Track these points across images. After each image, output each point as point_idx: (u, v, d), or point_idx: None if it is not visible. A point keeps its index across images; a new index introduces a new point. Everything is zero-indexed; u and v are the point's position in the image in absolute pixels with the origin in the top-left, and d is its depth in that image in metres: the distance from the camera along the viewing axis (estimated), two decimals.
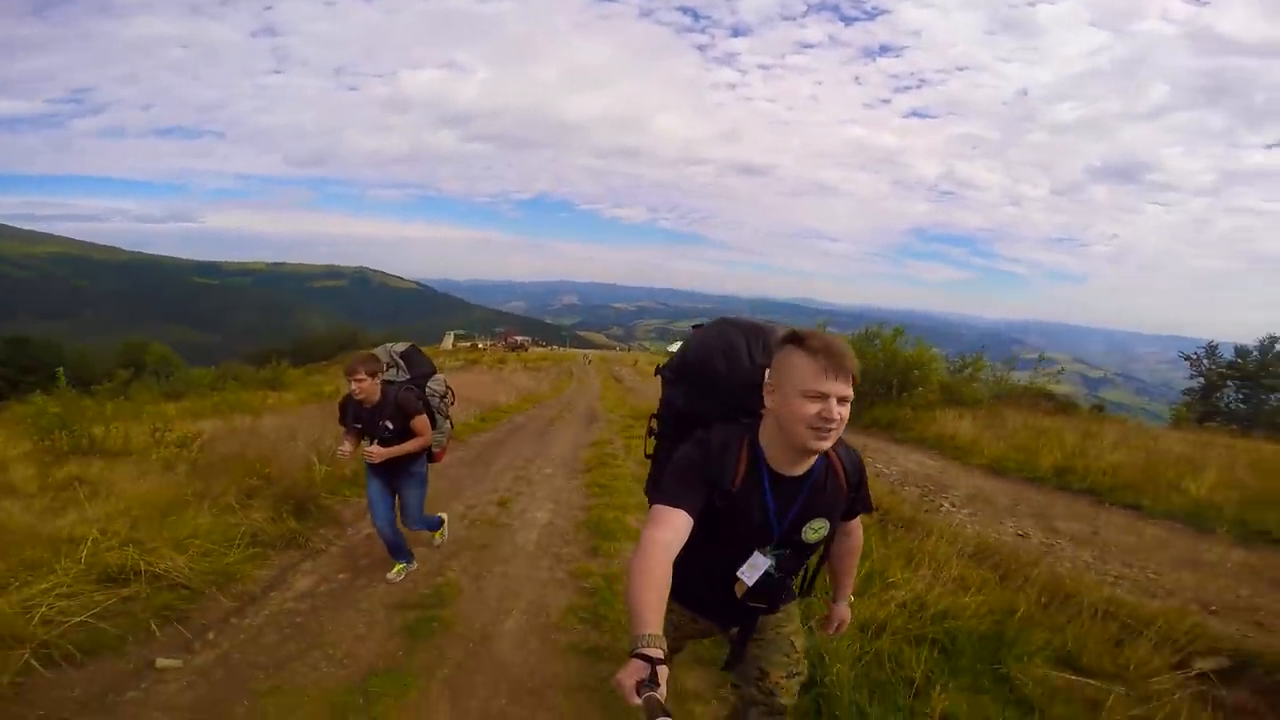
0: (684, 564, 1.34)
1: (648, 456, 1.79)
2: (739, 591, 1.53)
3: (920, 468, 7.24)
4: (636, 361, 48.61)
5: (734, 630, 1.72)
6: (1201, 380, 30.04)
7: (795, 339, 1.38)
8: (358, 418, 3.39)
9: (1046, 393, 15.02)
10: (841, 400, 1.31)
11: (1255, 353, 28.86)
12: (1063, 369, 15.71)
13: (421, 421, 3.37)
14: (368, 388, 3.25)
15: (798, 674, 1.70)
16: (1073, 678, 2.43)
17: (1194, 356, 31.21)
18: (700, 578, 1.55)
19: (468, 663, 2.78)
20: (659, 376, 1.76)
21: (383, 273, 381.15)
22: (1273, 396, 27.38)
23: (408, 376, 3.55)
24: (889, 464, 7.50)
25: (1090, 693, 2.31)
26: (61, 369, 7.55)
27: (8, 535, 3.61)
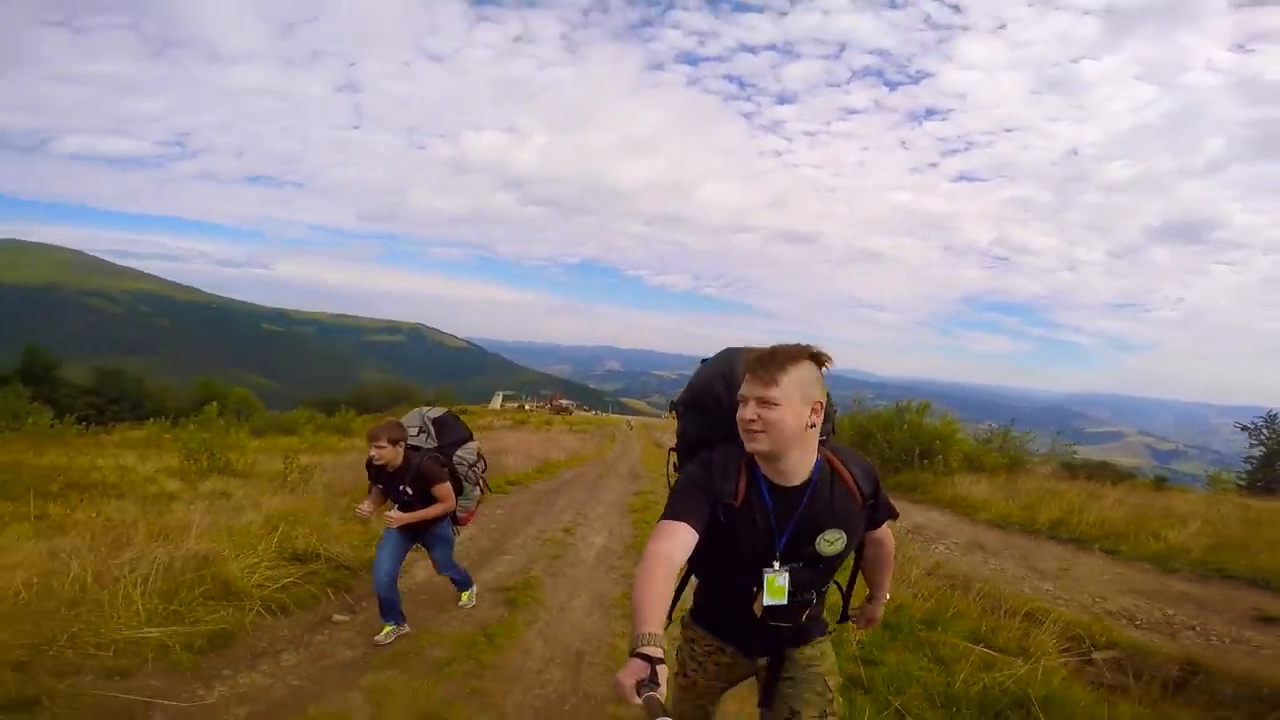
0: (705, 588, 1.45)
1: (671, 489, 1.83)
2: (758, 610, 1.54)
3: (930, 522, 8.06)
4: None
5: (763, 662, 1.69)
6: (1262, 449, 28.94)
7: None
8: (379, 479, 3.46)
9: (1102, 464, 15.22)
10: (760, 402, 1.40)
11: None
12: (1074, 447, 15.93)
13: (443, 489, 3.40)
14: (388, 454, 3.30)
15: (831, 715, 1.62)
16: (980, 648, 3.40)
17: (1253, 426, 30.15)
18: (718, 599, 1.63)
19: (554, 620, 3.97)
20: (672, 411, 1.83)
21: (438, 330, 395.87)
22: None
23: (435, 444, 3.58)
24: (904, 519, 8.37)
25: (990, 659, 3.27)
26: (215, 403, 9.31)
27: (209, 525, 4.99)
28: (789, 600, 1.52)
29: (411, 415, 3.66)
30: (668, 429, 47.69)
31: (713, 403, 1.64)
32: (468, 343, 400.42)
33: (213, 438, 8.48)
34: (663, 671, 1.10)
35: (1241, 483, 28.07)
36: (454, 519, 3.73)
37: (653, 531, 1.42)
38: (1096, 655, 3.56)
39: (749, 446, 1.43)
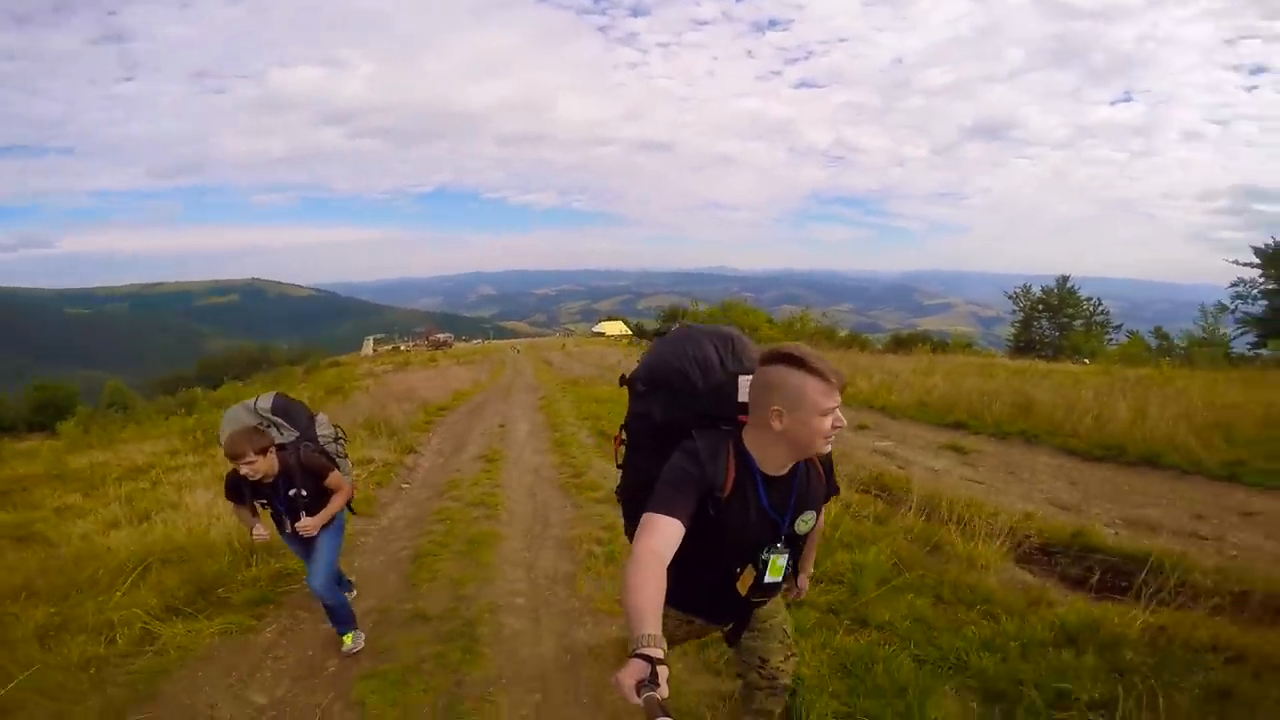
0: (681, 572, 1.44)
1: (619, 467, 1.89)
2: (743, 589, 1.64)
3: None
4: (564, 345, 52.13)
5: (729, 626, 1.85)
6: (1022, 314, 36.44)
7: (794, 361, 1.45)
8: (259, 494, 3.01)
9: (924, 334, 20.21)
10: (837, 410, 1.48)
11: (1054, 288, 35.63)
12: (825, 312, 21.53)
13: (336, 477, 3.11)
14: (261, 467, 2.85)
15: (793, 655, 1.92)
16: None
17: (1014, 294, 37.60)
18: (699, 583, 1.66)
19: (516, 462, 7.47)
20: (626, 387, 1.82)
21: (277, 282, 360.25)
22: (1075, 324, 34.10)
23: (295, 433, 3.19)
24: None
25: None
26: (85, 405, 11.22)
27: None
28: (783, 575, 1.66)
29: (239, 412, 3.15)
30: (553, 347, 50.10)
31: (685, 385, 1.65)
32: (316, 290, 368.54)
33: (200, 418, 10.64)
34: (663, 672, 1.11)
35: (1008, 344, 35.07)
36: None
37: (642, 525, 1.42)
38: None
39: (822, 451, 1.53)
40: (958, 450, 6.81)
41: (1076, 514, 4.73)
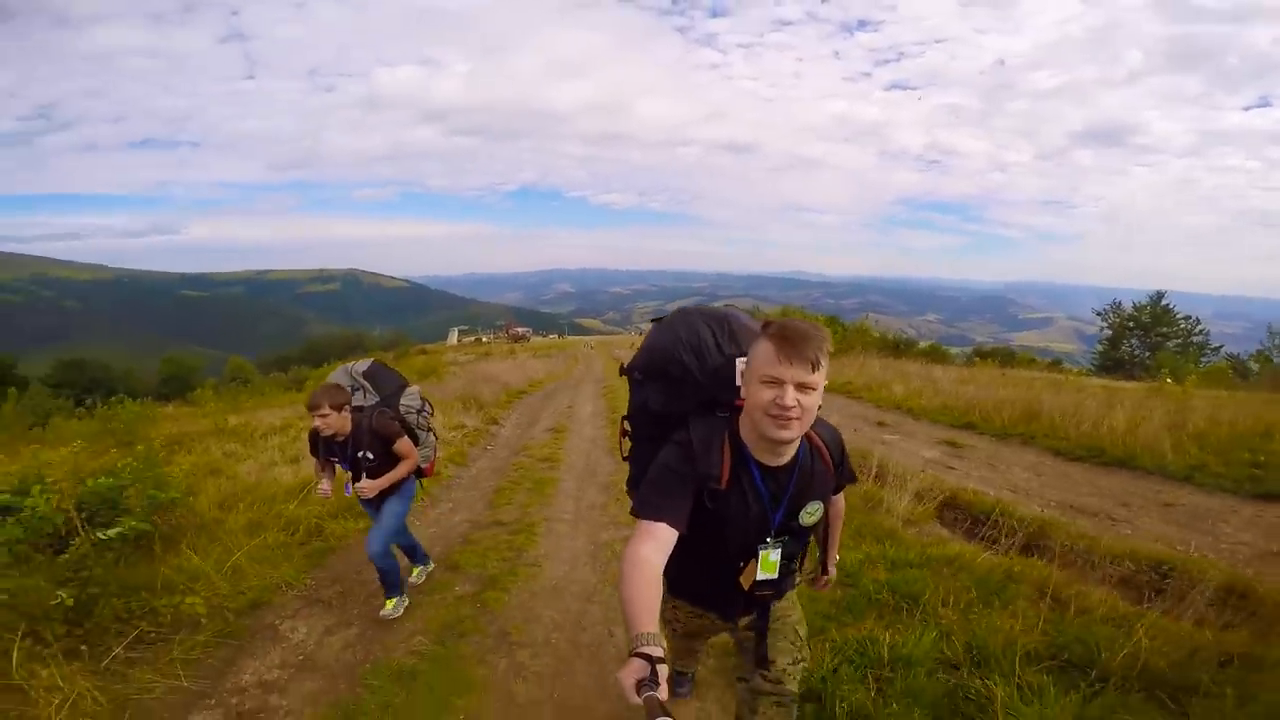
0: (685, 565, 1.43)
1: (625, 459, 1.82)
2: (746, 583, 1.59)
3: None
4: (633, 344, 53.84)
5: (744, 622, 1.78)
6: (1110, 332, 34.85)
7: (764, 326, 1.38)
8: (331, 451, 3.20)
9: (1008, 351, 19.80)
10: (800, 387, 1.32)
11: (1148, 306, 33.95)
12: (910, 323, 21.73)
13: (405, 444, 3.20)
14: (334, 423, 3.03)
15: (801, 660, 1.77)
16: None
17: (1103, 311, 35.90)
18: (703, 576, 1.64)
19: (577, 434, 9.16)
20: (625, 377, 1.76)
21: (374, 273, 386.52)
22: (1168, 344, 32.37)
23: (377, 399, 3.36)
24: None
25: None
26: (212, 379, 13.59)
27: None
28: (778, 572, 1.59)
29: (338, 374, 3.44)
30: (623, 345, 52.15)
31: (680, 373, 1.57)
32: (407, 282, 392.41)
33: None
34: (662, 671, 1.10)
35: (1095, 363, 33.81)
36: (419, 472, 3.59)
37: (634, 533, 1.38)
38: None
39: (776, 434, 1.36)
40: (952, 445, 7.78)
41: (1023, 496, 5.75)
